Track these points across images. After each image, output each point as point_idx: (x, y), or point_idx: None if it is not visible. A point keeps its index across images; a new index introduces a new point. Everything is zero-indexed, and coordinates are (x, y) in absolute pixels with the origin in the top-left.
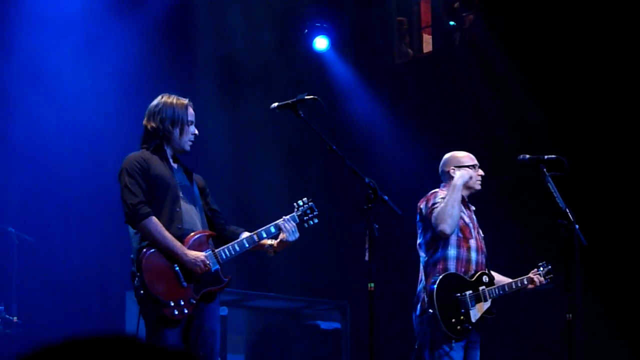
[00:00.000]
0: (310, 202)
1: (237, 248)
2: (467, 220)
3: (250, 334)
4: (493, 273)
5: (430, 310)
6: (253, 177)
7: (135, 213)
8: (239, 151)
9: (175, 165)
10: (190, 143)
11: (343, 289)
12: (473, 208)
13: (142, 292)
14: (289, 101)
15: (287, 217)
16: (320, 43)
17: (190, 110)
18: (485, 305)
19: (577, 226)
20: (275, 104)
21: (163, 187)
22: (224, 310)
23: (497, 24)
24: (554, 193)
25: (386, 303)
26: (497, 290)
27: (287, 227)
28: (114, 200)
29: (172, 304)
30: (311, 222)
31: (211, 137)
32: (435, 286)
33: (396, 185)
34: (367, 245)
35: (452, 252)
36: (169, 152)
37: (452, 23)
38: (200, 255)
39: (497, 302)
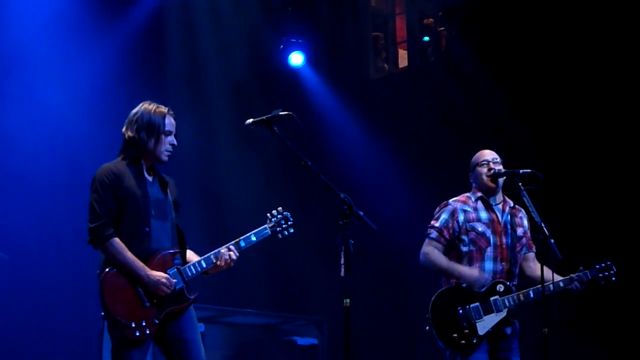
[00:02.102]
0: (285, 212)
1: (204, 264)
2: (482, 228)
3: (227, 351)
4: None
5: (427, 328)
6: (227, 193)
7: (97, 236)
8: (213, 167)
9: (150, 178)
10: (168, 153)
11: (319, 304)
12: (510, 204)
13: (102, 313)
14: (264, 117)
15: (238, 240)
16: (296, 59)
17: (170, 120)
18: (500, 315)
19: (552, 240)
20: (250, 120)
21: (133, 205)
22: (200, 327)
23: (473, 39)
24: (530, 207)
25: (363, 318)
26: (510, 299)
27: (227, 256)
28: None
29: (134, 325)
30: (286, 233)
31: (184, 152)
32: (431, 304)
33: (371, 200)
34: (342, 261)
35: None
36: (145, 164)
37: (426, 39)
38: (162, 276)
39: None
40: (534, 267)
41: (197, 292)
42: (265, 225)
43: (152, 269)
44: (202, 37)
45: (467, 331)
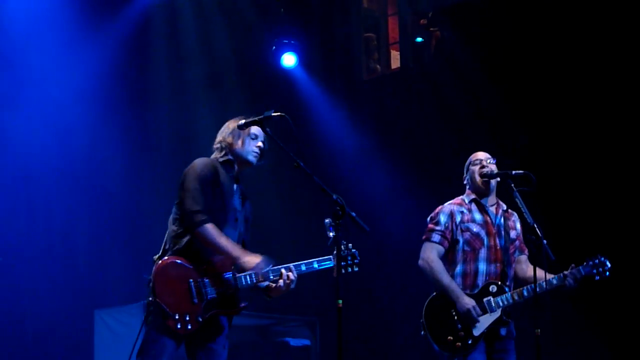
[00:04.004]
0: (354, 249)
1: (260, 278)
2: (477, 229)
3: None
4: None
5: (422, 332)
6: None
7: (193, 220)
8: None
9: (235, 186)
10: (255, 155)
11: (312, 305)
12: (503, 208)
13: (150, 298)
14: (257, 118)
15: (300, 263)
16: (288, 60)
17: (255, 127)
18: (494, 315)
19: (545, 241)
20: (243, 121)
21: (221, 204)
22: None
23: (465, 40)
24: (522, 208)
25: (356, 319)
26: (504, 299)
27: (285, 276)
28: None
29: (177, 317)
30: (350, 270)
31: (169, 155)
32: (424, 308)
33: (364, 201)
34: (335, 262)
35: (458, 268)
36: (237, 171)
37: (419, 39)
38: (256, 259)
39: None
40: (526, 268)
41: (247, 303)
42: (330, 257)
43: (213, 264)
44: (193, 39)
45: (462, 333)
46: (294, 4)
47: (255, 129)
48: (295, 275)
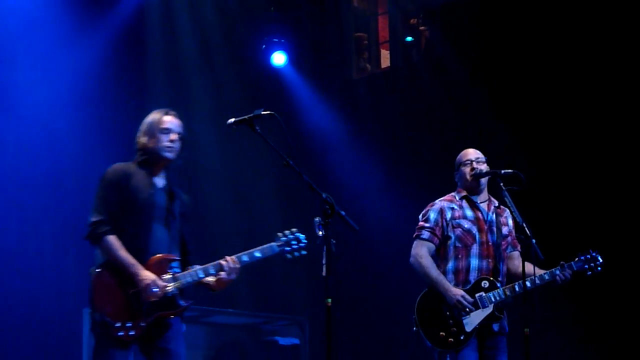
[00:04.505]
0: (299, 233)
1: (201, 274)
2: (468, 225)
3: (208, 351)
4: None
5: (414, 328)
6: (206, 193)
7: (91, 232)
8: (195, 166)
9: (160, 185)
10: (168, 150)
11: (301, 304)
12: (495, 204)
13: (90, 309)
14: (246, 117)
15: (234, 256)
16: (278, 58)
17: (169, 119)
18: (486, 311)
19: (534, 240)
20: (232, 120)
21: (137, 206)
22: (182, 327)
23: (454, 39)
24: (511, 207)
25: (345, 318)
26: (496, 295)
27: (226, 267)
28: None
29: (119, 325)
30: (297, 254)
31: None
32: (416, 304)
33: (354, 200)
34: (324, 261)
35: (450, 265)
36: (155, 168)
37: (409, 39)
38: (151, 276)
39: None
40: (518, 264)
41: (191, 302)
42: (273, 243)
43: (151, 266)
44: (184, 37)
45: (454, 329)
46: (284, 3)
47: (168, 122)
48: (237, 265)
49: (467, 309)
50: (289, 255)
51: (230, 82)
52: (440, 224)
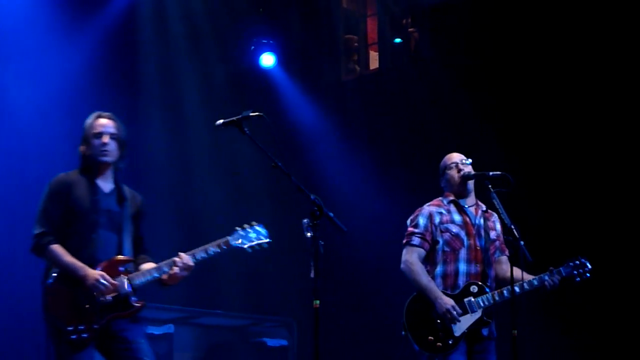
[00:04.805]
0: (258, 225)
1: (155, 274)
2: (456, 230)
3: (196, 352)
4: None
5: (403, 333)
6: (197, 194)
7: (35, 244)
8: (183, 168)
9: (107, 189)
10: (103, 154)
11: (289, 306)
12: (483, 208)
13: (44, 315)
14: (234, 118)
15: (190, 252)
16: (267, 60)
17: (99, 122)
18: (475, 316)
19: (522, 242)
20: (221, 121)
21: (80, 214)
22: (170, 328)
23: (442, 41)
24: (500, 209)
25: (333, 320)
26: (485, 299)
27: (180, 263)
28: None
29: (71, 329)
30: (257, 247)
31: (155, 153)
32: (405, 308)
33: (342, 201)
34: (312, 262)
35: (438, 269)
36: (99, 173)
37: (397, 40)
38: (97, 273)
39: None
40: (507, 269)
41: (145, 301)
42: (229, 237)
43: (102, 269)
44: (173, 38)
45: (442, 333)
46: (273, 4)
47: (100, 126)
48: (190, 263)
49: (456, 321)
50: (248, 249)
51: (219, 83)
52: (429, 229)
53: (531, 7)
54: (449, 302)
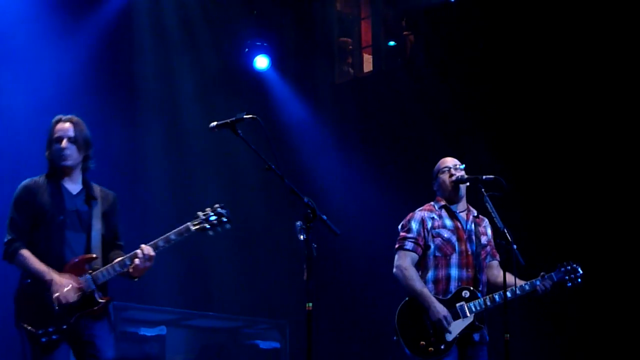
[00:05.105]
0: (220, 208)
1: (118, 268)
2: (447, 235)
3: (189, 354)
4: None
5: (395, 338)
6: (191, 195)
7: (5, 252)
8: (178, 169)
9: (74, 191)
10: (63, 158)
11: (282, 308)
12: (474, 213)
13: (15, 322)
14: (228, 120)
15: (147, 245)
16: (261, 62)
17: (60, 126)
18: (466, 321)
19: (514, 246)
20: (214, 123)
21: (46, 219)
22: (162, 330)
23: (435, 44)
24: (492, 213)
25: (325, 322)
26: (477, 304)
27: (141, 255)
28: None
29: (41, 332)
30: (219, 229)
31: (150, 155)
32: (397, 312)
33: (335, 204)
34: (305, 265)
35: (430, 274)
36: (64, 176)
37: (391, 43)
38: (64, 280)
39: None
40: (498, 274)
41: (111, 297)
42: (188, 223)
43: (68, 269)
44: (168, 39)
45: (434, 338)
46: (267, 6)
47: (58, 130)
48: (151, 252)
49: (447, 330)
50: (210, 232)
51: (213, 86)
52: (422, 234)
53: (525, 12)
54: (442, 311)
